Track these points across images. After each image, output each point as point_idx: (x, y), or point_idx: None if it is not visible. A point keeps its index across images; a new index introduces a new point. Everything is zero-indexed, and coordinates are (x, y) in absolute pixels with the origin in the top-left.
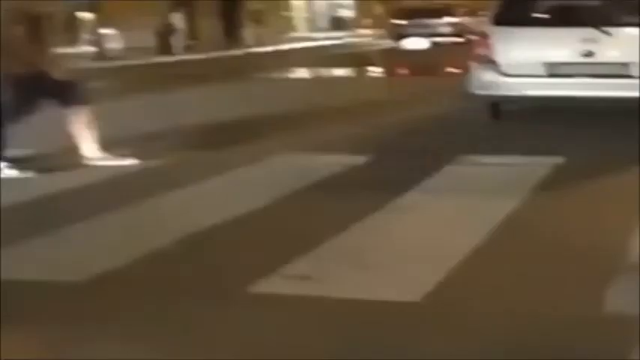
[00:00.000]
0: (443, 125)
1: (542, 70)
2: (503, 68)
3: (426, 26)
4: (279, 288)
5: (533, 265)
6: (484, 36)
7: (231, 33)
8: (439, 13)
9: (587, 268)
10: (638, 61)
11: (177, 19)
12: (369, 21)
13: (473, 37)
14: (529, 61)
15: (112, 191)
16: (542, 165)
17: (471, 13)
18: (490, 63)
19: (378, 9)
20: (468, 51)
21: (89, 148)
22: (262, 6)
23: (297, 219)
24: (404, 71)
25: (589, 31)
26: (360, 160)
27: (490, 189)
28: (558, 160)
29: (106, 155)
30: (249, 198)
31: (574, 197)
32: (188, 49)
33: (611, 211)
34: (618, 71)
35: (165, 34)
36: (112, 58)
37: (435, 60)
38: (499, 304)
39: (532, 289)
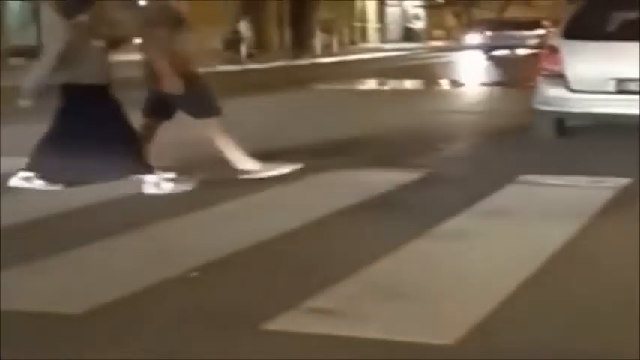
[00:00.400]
0: (505, 141)
1: (611, 86)
2: (571, 83)
3: (512, 38)
4: (297, 325)
5: (589, 302)
6: (552, 49)
7: (300, 42)
8: (525, 25)
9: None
10: None
11: (244, 27)
12: (441, 32)
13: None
14: (598, 77)
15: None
16: (607, 187)
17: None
18: (557, 77)
19: (451, 21)
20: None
21: (241, 159)
22: (333, 15)
23: (331, 243)
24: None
25: None
26: (414, 176)
27: (550, 213)
28: (624, 181)
29: (263, 165)
30: (281, 219)
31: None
32: (251, 57)
33: None
34: None
35: (231, 42)
36: None
37: (515, 72)
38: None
39: (587, 334)
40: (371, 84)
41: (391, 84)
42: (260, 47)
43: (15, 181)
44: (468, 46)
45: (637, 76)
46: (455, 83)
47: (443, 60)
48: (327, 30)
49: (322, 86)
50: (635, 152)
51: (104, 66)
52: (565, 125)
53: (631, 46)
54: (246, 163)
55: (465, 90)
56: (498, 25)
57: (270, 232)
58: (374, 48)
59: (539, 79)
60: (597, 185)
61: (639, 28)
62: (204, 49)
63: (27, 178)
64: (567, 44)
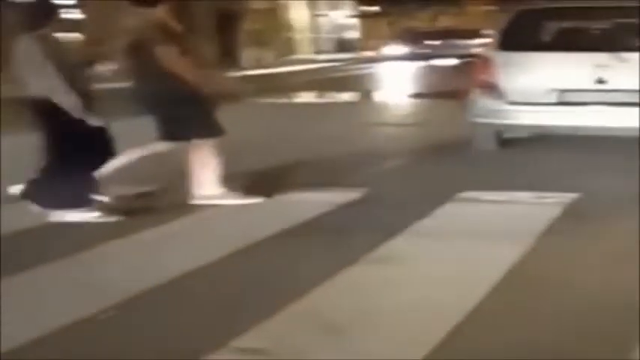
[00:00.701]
0: (443, 154)
1: (550, 98)
2: (508, 95)
3: (445, 47)
4: None
5: (541, 326)
6: (486, 61)
7: (227, 54)
8: (460, 35)
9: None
10: None
11: None
12: (375, 42)
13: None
14: (536, 88)
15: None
16: (554, 203)
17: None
18: (493, 89)
19: (385, 31)
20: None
21: (207, 184)
22: (262, 26)
23: (260, 273)
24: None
25: (602, 56)
26: (350, 196)
27: (493, 233)
28: (571, 196)
29: (224, 191)
30: (207, 248)
31: (588, 243)
32: None
33: (629, 258)
34: (633, 99)
35: None
36: None
37: (448, 82)
38: None
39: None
40: (302, 97)
41: (323, 96)
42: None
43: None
44: (398, 56)
45: (578, 87)
46: (384, 94)
47: (374, 71)
48: (257, 41)
49: (251, 100)
50: (579, 165)
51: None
52: (504, 138)
53: (570, 57)
54: (210, 188)
55: (396, 101)
56: (430, 35)
57: (194, 263)
58: (307, 59)
59: (475, 91)
60: (543, 201)
61: (574, 38)
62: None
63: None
64: (502, 55)
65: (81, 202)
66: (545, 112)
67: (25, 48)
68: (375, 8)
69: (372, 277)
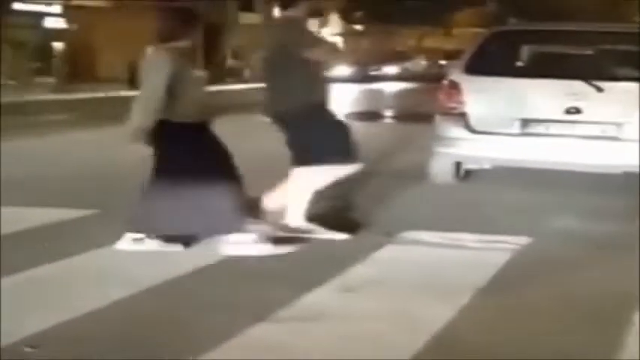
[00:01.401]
0: (394, 186)
1: (513, 128)
2: (472, 123)
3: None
4: None
5: None
6: (452, 85)
7: (212, 66)
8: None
9: None
10: (635, 121)
11: None
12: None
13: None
14: (501, 116)
15: None
16: (502, 248)
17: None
18: (457, 116)
19: (368, 50)
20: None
21: (296, 213)
22: (245, 42)
23: (151, 334)
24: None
25: (577, 85)
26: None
27: (429, 284)
28: (523, 241)
29: (313, 225)
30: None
31: (530, 302)
32: None
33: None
34: (609, 133)
35: (138, 67)
36: None
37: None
38: None
39: None
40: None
41: None
42: None
43: (123, 244)
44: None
45: (546, 117)
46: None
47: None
48: (237, 56)
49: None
50: (537, 203)
51: (203, 100)
52: (464, 169)
53: (542, 83)
54: (298, 220)
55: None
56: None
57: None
58: None
59: (437, 116)
60: (491, 245)
61: (550, 64)
62: (109, 75)
63: (137, 240)
64: (469, 79)
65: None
66: (508, 143)
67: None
68: (359, 27)
69: (286, 338)
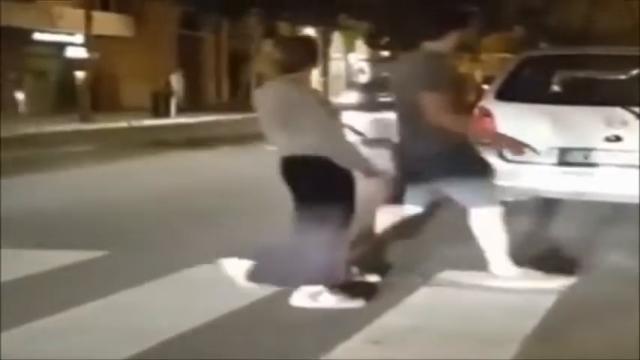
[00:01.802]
0: (423, 221)
1: (550, 157)
2: (505, 152)
3: None
4: None
5: None
6: (484, 112)
7: (236, 95)
8: None
9: None
10: None
11: (175, 81)
12: None
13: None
14: (536, 146)
15: None
16: (545, 289)
17: None
18: (490, 145)
19: None
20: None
21: (499, 260)
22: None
23: None
24: None
25: (615, 111)
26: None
27: (471, 330)
28: (568, 281)
29: (526, 272)
30: None
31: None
32: (182, 111)
33: None
34: None
35: (161, 96)
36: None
37: None
38: None
39: None
40: None
41: None
42: (195, 101)
43: (299, 301)
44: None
45: (584, 146)
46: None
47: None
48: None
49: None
50: (582, 237)
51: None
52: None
53: (579, 110)
54: (502, 267)
55: None
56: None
57: None
58: None
59: None
60: (535, 285)
61: (586, 90)
62: (132, 104)
63: (315, 295)
64: (502, 107)
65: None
66: (546, 173)
67: (288, 94)
68: (386, 53)
69: None
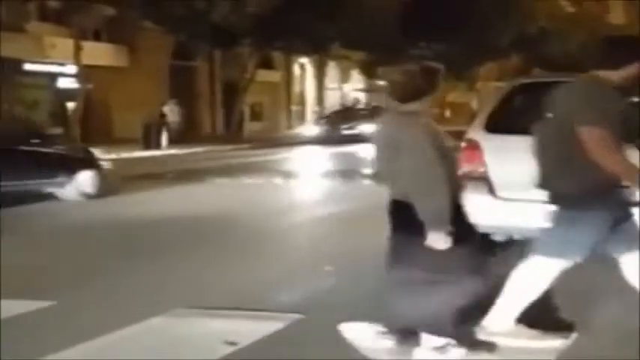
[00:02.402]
0: None
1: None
2: (497, 189)
3: None
4: None
5: None
6: (471, 145)
7: (231, 126)
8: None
9: None
10: None
11: (169, 111)
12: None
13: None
14: (530, 180)
15: None
16: (543, 348)
17: None
18: (479, 181)
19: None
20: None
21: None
22: (263, 99)
23: None
24: None
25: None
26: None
27: None
28: (568, 338)
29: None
30: None
31: None
32: (174, 142)
33: None
34: None
35: (154, 126)
36: None
37: None
38: None
39: None
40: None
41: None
42: (190, 131)
43: (422, 353)
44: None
45: None
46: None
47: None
48: (256, 115)
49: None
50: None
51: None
52: (491, 240)
53: None
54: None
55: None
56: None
57: None
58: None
59: None
60: (530, 345)
61: None
62: (124, 135)
63: (440, 349)
64: (491, 138)
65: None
66: (539, 211)
67: (398, 130)
68: (382, 83)
69: None
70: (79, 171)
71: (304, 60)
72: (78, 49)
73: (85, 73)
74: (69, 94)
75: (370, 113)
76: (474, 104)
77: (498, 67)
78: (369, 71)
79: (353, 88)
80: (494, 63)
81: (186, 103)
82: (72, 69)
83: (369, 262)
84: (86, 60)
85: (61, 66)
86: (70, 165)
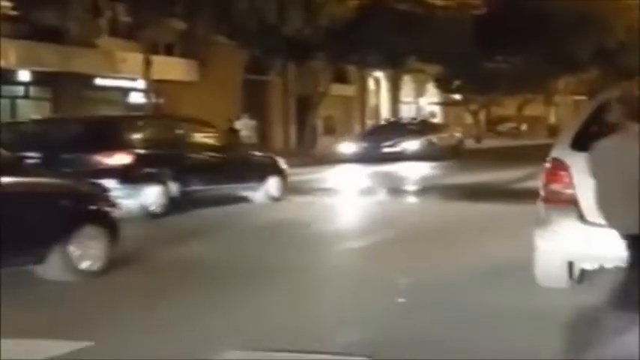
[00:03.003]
0: (493, 289)
1: None
2: (587, 213)
3: None
4: None
5: None
6: (558, 164)
7: (304, 140)
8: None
9: None
10: None
11: (242, 125)
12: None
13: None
14: None
15: None
16: None
17: None
18: (567, 204)
19: (468, 119)
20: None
21: None
22: (336, 112)
23: None
24: None
25: None
26: None
27: None
28: None
29: None
30: None
31: None
32: None
33: None
34: None
35: None
36: None
37: None
38: None
39: None
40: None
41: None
42: (262, 145)
43: None
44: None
45: None
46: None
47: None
48: (329, 129)
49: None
50: None
51: None
52: (579, 269)
53: None
54: None
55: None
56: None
57: None
58: None
59: (541, 203)
60: None
61: None
62: None
63: None
64: (579, 157)
65: None
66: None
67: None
68: (457, 96)
69: None
70: (269, 176)
71: (379, 74)
72: (148, 63)
73: (156, 87)
74: (139, 109)
75: (419, 128)
76: (552, 118)
77: (575, 80)
78: (444, 85)
79: (428, 102)
80: (571, 76)
81: (259, 117)
82: (143, 84)
83: (446, 294)
84: (157, 74)
85: (132, 81)
86: (263, 171)
